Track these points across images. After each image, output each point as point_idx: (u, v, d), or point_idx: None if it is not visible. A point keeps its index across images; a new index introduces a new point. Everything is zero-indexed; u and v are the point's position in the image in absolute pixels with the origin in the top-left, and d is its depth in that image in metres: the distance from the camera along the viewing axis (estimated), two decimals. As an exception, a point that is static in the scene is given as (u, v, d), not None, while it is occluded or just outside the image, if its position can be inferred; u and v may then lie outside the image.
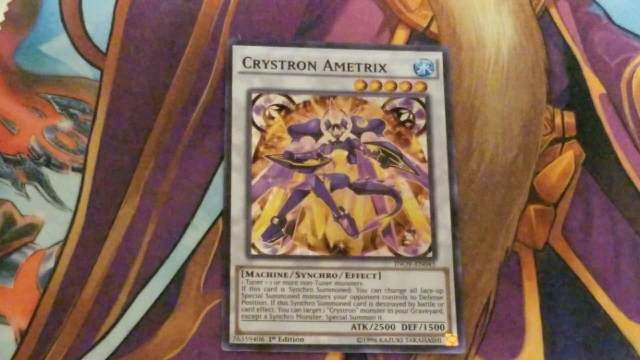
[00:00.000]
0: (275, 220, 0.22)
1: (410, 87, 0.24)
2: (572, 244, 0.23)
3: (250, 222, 0.22)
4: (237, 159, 0.23)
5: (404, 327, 0.22)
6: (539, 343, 0.22)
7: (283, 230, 0.22)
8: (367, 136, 0.23)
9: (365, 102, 0.24)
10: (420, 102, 0.24)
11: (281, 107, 0.24)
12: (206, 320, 0.22)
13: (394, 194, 0.23)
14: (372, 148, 0.23)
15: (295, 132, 0.23)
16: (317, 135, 0.23)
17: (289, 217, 0.23)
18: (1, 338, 0.21)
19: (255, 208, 0.23)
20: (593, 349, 0.22)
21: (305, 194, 0.23)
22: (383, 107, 0.24)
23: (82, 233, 0.23)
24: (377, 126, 0.24)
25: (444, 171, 0.23)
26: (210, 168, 0.23)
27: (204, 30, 0.25)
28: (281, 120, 0.24)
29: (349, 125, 0.23)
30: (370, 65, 0.24)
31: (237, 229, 0.22)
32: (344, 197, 0.23)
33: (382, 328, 0.22)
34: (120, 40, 0.24)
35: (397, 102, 0.24)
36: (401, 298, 0.22)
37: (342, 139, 0.23)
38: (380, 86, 0.24)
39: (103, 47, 0.24)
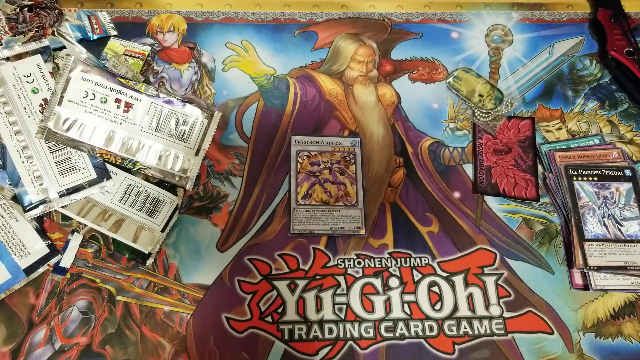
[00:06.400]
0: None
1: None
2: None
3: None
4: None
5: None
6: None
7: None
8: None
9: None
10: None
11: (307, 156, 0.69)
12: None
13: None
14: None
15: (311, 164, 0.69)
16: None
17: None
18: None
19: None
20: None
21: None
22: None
23: (244, 196, 0.68)
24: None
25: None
26: (281, 180, 0.68)
27: (283, 128, 0.70)
28: (306, 160, 0.69)
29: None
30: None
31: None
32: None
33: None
34: (255, 132, 0.70)
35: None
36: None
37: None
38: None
39: (248, 134, 0.70)
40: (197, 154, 0.64)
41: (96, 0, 0.77)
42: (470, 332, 0.59)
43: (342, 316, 0.60)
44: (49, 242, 0.60)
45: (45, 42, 0.65)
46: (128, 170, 0.63)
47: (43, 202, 0.59)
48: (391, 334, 0.60)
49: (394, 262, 0.62)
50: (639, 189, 0.65)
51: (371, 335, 0.59)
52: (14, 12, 0.70)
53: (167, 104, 0.63)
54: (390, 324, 0.60)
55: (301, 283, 0.61)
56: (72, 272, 0.60)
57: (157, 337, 0.58)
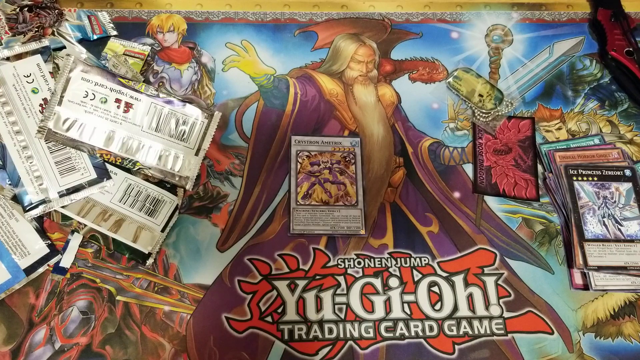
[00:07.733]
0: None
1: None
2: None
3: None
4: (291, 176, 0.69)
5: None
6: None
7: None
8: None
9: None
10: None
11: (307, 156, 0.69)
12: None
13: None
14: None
15: (311, 164, 0.69)
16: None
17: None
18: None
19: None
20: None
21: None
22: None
23: (244, 195, 0.68)
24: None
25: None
26: (281, 180, 0.69)
27: (283, 128, 0.71)
28: (306, 160, 0.69)
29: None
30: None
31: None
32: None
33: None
34: (255, 132, 0.70)
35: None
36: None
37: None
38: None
39: (248, 134, 0.70)
40: (197, 154, 0.64)
41: (96, 0, 0.77)
42: (470, 332, 0.59)
43: (342, 316, 0.60)
44: (49, 242, 0.60)
45: (45, 42, 0.65)
46: (128, 170, 0.64)
47: (43, 202, 0.59)
48: (391, 334, 0.60)
49: (394, 262, 0.62)
50: (639, 189, 0.65)
51: (371, 335, 0.60)
52: (14, 12, 0.70)
53: (167, 104, 0.63)
54: (390, 324, 0.60)
55: (301, 283, 0.61)
56: (72, 272, 0.60)
57: (157, 337, 0.58)
